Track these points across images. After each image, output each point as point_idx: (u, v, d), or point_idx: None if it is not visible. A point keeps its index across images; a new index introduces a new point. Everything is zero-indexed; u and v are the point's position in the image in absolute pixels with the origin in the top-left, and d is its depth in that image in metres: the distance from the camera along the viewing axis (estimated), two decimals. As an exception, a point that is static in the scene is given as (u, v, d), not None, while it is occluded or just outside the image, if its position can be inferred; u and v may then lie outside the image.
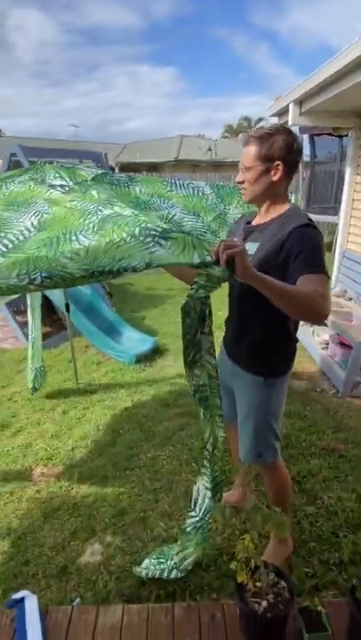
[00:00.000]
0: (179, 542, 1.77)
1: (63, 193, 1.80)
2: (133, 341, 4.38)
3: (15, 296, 3.76)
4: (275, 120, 5.25)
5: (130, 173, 2.40)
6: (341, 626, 1.49)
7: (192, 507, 1.71)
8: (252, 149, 1.49)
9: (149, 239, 1.30)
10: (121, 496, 2.35)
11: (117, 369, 3.97)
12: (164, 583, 1.78)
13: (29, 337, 3.39)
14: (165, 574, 1.75)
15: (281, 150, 1.46)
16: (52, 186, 1.89)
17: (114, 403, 3.37)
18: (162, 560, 1.80)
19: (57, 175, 1.94)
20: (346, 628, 1.48)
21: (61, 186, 1.87)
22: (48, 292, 4.29)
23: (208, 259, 1.25)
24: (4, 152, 5.40)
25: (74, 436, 2.95)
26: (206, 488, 1.66)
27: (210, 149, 19.09)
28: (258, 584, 1.48)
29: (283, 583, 1.52)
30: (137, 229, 1.35)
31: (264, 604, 1.43)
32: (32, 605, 1.60)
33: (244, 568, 1.34)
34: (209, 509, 1.67)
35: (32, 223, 1.63)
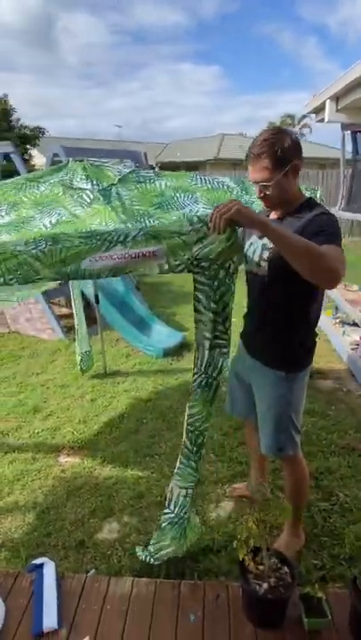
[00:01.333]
0: (154, 536, 1.83)
1: (87, 207, 1.88)
2: (162, 336, 4.49)
3: (51, 287, 3.96)
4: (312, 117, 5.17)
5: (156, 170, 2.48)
6: (343, 615, 1.51)
7: (166, 505, 1.78)
8: (263, 163, 1.47)
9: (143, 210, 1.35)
10: (140, 480, 2.45)
11: (145, 362, 4.08)
12: (175, 563, 1.85)
13: (75, 324, 3.70)
14: (144, 558, 1.83)
15: (290, 150, 1.47)
16: (79, 191, 2.00)
17: (139, 393, 3.48)
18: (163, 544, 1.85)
19: (84, 176, 2.05)
20: (347, 618, 1.50)
21: (87, 194, 1.96)
22: (82, 286, 4.47)
23: (198, 223, 1.25)
24: (48, 152, 5.66)
25: (100, 422, 3.09)
26: (180, 487, 1.72)
27: (250, 148, 18.89)
28: (261, 567, 1.53)
29: (286, 569, 1.56)
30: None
31: (265, 585, 1.49)
32: (50, 571, 1.73)
33: (245, 547, 1.39)
34: (184, 505, 1.73)
35: (50, 221, 1.76)
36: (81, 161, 2.12)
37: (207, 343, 1.43)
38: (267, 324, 1.67)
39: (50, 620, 1.53)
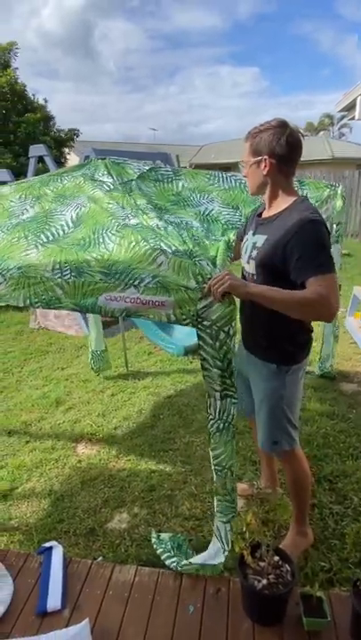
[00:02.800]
0: (196, 557, 1.73)
1: (106, 192, 1.96)
2: (184, 334, 4.51)
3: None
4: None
5: (175, 167, 2.51)
6: (344, 617, 1.49)
7: (217, 540, 1.68)
8: (246, 145, 1.58)
9: (157, 246, 1.47)
10: (152, 474, 2.49)
11: (166, 359, 4.12)
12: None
13: (89, 322, 3.75)
14: (163, 557, 1.78)
15: (267, 145, 1.51)
16: (99, 181, 2.07)
17: (158, 390, 3.52)
18: (171, 546, 1.84)
19: (105, 171, 2.11)
20: (349, 620, 1.47)
21: (107, 184, 2.03)
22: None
23: (203, 282, 1.37)
24: (81, 154, 5.83)
25: (118, 416, 3.15)
26: (224, 522, 1.62)
27: (286, 149, 18.64)
28: (261, 563, 1.53)
29: (287, 567, 1.55)
30: (149, 234, 1.54)
31: (264, 581, 1.48)
32: (58, 554, 1.79)
33: (241, 540, 1.39)
34: (229, 538, 1.64)
35: (72, 217, 1.83)
36: (103, 159, 2.18)
37: (218, 395, 1.48)
38: (255, 319, 1.68)
39: (54, 601, 1.59)
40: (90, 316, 3.73)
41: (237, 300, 1.44)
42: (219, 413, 1.51)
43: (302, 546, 1.90)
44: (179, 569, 1.68)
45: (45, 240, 1.71)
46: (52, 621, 1.52)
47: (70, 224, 1.80)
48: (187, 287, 1.38)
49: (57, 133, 13.23)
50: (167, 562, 1.73)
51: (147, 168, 2.28)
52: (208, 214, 2.17)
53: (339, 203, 2.81)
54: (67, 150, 13.88)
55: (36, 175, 5.58)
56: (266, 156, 1.52)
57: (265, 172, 1.55)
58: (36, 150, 5.45)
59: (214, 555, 1.67)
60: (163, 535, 1.93)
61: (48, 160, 5.37)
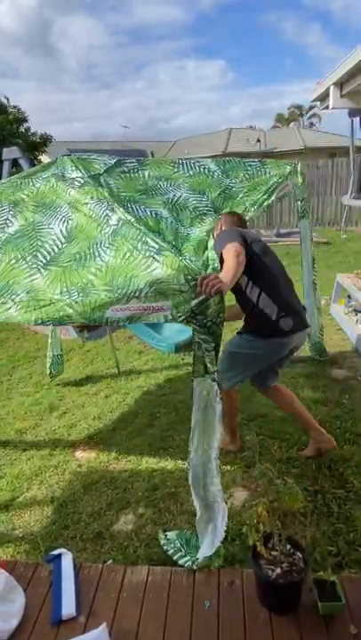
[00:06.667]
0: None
1: (79, 188, 2.05)
2: (173, 331, 4.51)
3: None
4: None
5: (141, 158, 2.57)
6: (358, 599, 1.52)
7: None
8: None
9: (148, 254, 1.61)
10: (154, 472, 2.48)
11: (157, 358, 4.12)
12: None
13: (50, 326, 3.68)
14: (176, 557, 1.80)
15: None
16: (70, 180, 2.10)
17: (152, 389, 3.51)
18: (180, 544, 1.86)
19: (74, 167, 2.14)
20: (361, 602, 1.50)
21: (77, 180, 2.10)
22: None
23: (193, 282, 1.52)
24: (54, 156, 5.73)
25: (114, 418, 3.13)
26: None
27: (258, 140, 18.79)
28: (274, 553, 1.54)
29: (299, 554, 1.57)
30: (139, 244, 1.67)
31: (278, 570, 1.50)
32: (67, 561, 1.78)
33: (254, 532, 1.40)
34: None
35: (61, 231, 1.93)
36: (68, 155, 2.21)
37: (208, 358, 1.66)
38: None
39: (68, 608, 1.57)
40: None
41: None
42: (210, 392, 1.66)
43: (325, 448, 2.43)
44: (194, 567, 1.70)
45: (44, 261, 1.81)
46: (68, 629, 1.51)
47: (62, 239, 1.90)
48: (181, 290, 1.53)
49: (30, 138, 13.03)
50: (180, 562, 1.74)
51: (113, 162, 2.32)
52: (176, 202, 2.26)
53: (299, 179, 3.00)
54: (38, 154, 13.67)
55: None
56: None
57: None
58: (10, 153, 5.33)
59: (213, 536, 1.73)
60: (170, 534, 1.94)
61: (23, 162, 5.27)
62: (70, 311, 1.58)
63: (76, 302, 1.58)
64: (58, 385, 3.76)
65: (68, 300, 1.60)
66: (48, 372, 3.76)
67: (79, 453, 2.76)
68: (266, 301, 2.19)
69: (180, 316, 1.57)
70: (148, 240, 1.68)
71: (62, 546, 1.96)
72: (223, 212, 2.32)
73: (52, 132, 13.72)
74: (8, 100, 13.07)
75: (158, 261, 1.58)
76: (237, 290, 2.22)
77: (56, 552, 1.83)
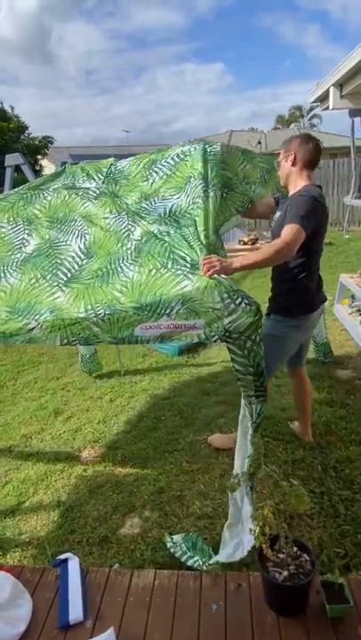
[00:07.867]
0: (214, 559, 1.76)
1: (95, 200, 1.98)
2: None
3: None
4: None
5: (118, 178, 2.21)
6: (366, 602, 1.50)
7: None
8: (282, 149, 2.19)
9: (180, 272, 1.54)
10: (160, 476, 2.48)
11: (162, 360, 4.12)
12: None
13: None
14: (184, 559, 1.80)
15: (293, 145, 2.13)
16: (84, 190, 2.05)
17: (157, 392, 3.52)
18: (186, 547, 1.86)
19: (84, 176, 2.11)
20: (370, 604, 1.49)
21: (92, 190, 2.04)
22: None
23: (228, 299, 1.45)
24: (56, 161, 5.77)
25: (119, 421, 3.13)
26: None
27: (259, 142, 18.80)
28: (280, 555, 1.54)
29: (305, 556, 1.56)
30: (169, 262, 1.59)
31: (285, 573, 1.49)
32: (74, 565, 1.77)
33: (261, 535, 1.40)
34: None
35: (79, 247, 1.86)
36: (77, 163, 2.19)
37: (253, 399, 1.59)
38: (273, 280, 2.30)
39: (76, 613, 1.57)
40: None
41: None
42: (254, 416, 1.60)
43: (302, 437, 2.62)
44: (205, 568, 1.69)
45: (65, 279, 1.74)
46: (75, 634, 1.51)
47: (81, 255, 1.83)
48: (214, 308, 1.46)
49: (31, 141, 13.13)
50: (189, 562, 1.73)
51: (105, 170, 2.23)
52: (171, 215, 1.92)
53: None
54: (40, 157, 13.77)
55: (13, 185, 5.53)
56: (295, 152, 2.10)
57: (294, 165, 2.12)
58: (13, 159, 5.38)
59: (234, 550, 1.68)
60: (175, 537, 1.94)
61: (26, 169, 5.31)
62: (97, 330, 1.52)
63: (103, 320, 1.51)
64: (62, 389, 3.77)
65: (94, 319, 1.52)
66: (81, 370, 3.97)
67: (85, 457, 2.76)
68: (308, 279, 2.16)
69: (213, 335, 1.49)
70: (178, 258, 1.59)
71: (69, 550, 1.96)
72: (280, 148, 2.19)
73: (52, 136, 13.85)
74: (13, 108, 13.21)
75: (190, 279, 1.50)
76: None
77: (63, 556, 1.82)
